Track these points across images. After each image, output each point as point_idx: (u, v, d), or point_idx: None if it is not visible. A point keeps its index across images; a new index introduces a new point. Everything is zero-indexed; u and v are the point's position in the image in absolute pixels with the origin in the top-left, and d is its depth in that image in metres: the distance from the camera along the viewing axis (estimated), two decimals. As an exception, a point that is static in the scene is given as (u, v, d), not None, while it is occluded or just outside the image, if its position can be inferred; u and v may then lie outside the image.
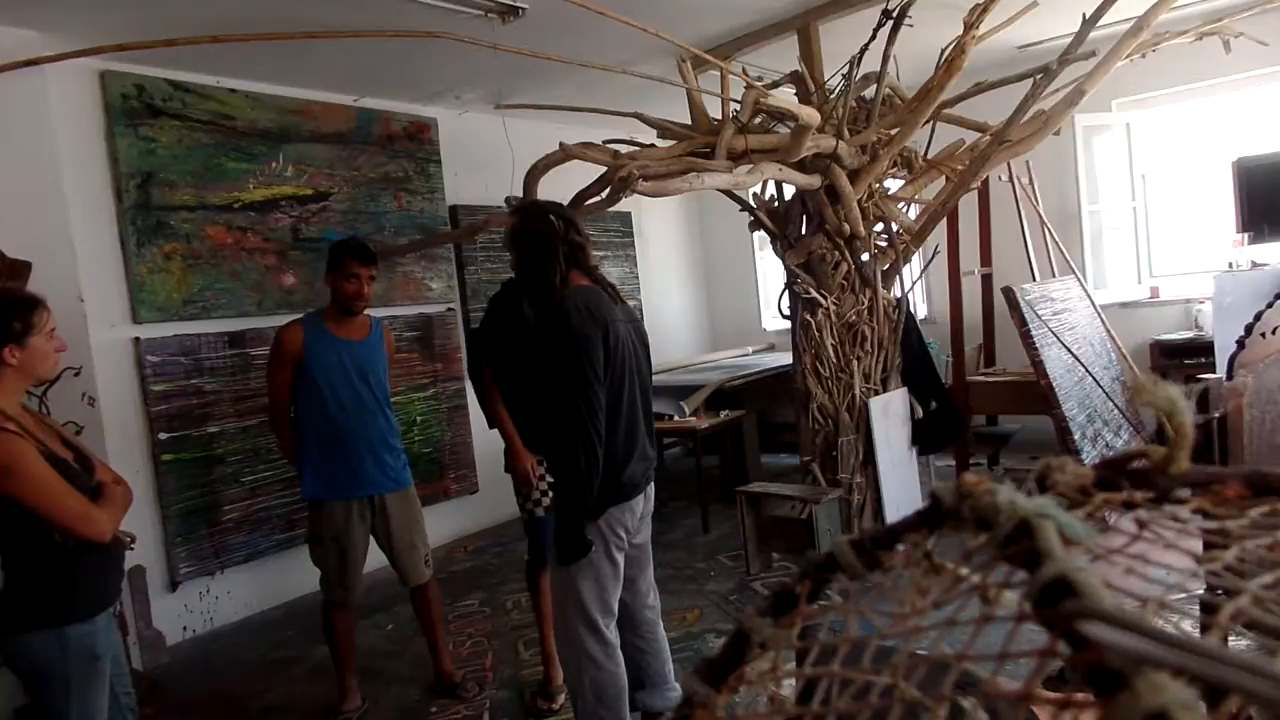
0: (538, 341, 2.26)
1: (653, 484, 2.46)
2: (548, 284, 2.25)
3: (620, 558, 2.33)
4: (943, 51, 3.62)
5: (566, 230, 2.29)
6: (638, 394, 2.34)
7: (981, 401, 4.94)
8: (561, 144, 3.54)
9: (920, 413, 4.26)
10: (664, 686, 2.54)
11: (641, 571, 2.51)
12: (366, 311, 3.08)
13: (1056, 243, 5.19)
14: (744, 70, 4.31)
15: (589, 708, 2.31)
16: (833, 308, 4.00)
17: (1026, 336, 3.95)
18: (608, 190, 3.42)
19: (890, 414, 4.10)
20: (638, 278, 6.82)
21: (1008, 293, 4.04)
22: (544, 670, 3.10)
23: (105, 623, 2.00)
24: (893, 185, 4.44)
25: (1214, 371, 3.55)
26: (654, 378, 5.90)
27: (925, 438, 4.32)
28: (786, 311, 4.24)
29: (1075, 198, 5.53)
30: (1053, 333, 4.12)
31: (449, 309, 5.29)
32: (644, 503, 2.41)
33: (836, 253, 3.99)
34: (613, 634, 2.33)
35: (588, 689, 2.30)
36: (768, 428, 6.24)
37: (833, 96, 4.00)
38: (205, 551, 4.03)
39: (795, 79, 4.24)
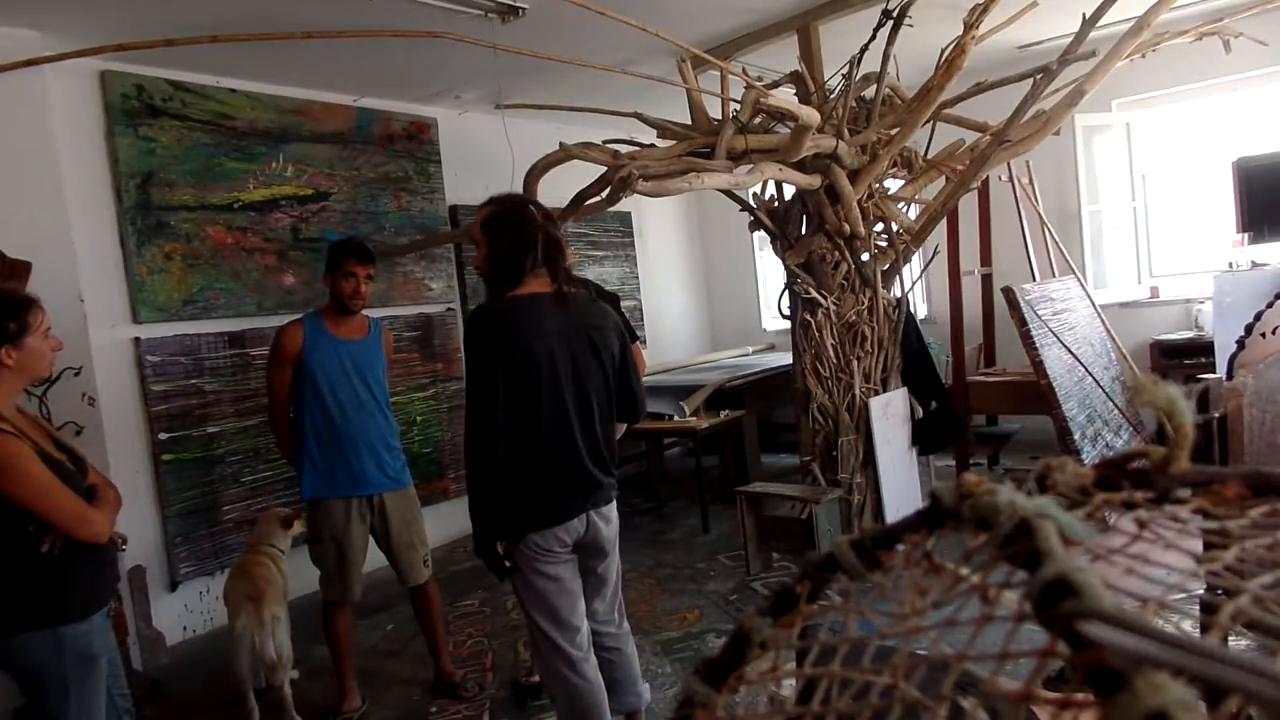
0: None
1: (610, 505, 2.29)
2: (514, 277, 2.13)
3: (560, 570, 2.21)
4: (943, 51, 3.62)
5: (545, 224, 2.17)
6: (571, 411, 2.14)
7: (981, 401, 4.94)
8: (561, 144, 3.54)
9: (920, 413, 4.26)
10: (630, 691, 2.48)
11: (597, 594, 2.38)
12: (365, 312, 3.08)
13: (1056, 243, 5.19)
14: (744, 70, 4.31)
15: (564, 716, 2.30)
16: (833, 308, 4.00)
17: (1026, 336, 3.95)
18: (608, 190, 3.42)
19: (890, 414, 4.10)
20: (638, 278, 6.81)
21: (1008, 293, 4.04)
22: (531, 665, 3.14)
23: (100, 623, 2.00)
24: (893, 185, 4.44)
25: (1214, 371, 3.55)
26: (654, 377, 5.91)
27: (925, 438, 4.32)
28: (786, 311, 4.23)
29: (1075, 198, 5.53)
30: (1053, 333, 4.12)
31: (449, 309, 5.29)
32: (586, 526, 2.22)
33: (836, 253, 3.99)
34: (578, 649, 2.24)
35: (561, 701, 2.28)
36: (768, 428, 6.25)
37: (833, 96, 3.99)
38: (205, 551, 4.03)
39: (795, 79, 4.24)
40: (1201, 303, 5.16)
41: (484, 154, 5.17)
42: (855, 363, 4.01)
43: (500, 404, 2.06)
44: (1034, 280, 4.92)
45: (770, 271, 7.29)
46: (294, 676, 3.14)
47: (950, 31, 3.61)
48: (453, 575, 4.52)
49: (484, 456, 2.07)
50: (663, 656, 3.25)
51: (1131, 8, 3.43)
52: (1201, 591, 0.40)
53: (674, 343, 7.23)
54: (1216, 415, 2.32)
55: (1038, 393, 3.98)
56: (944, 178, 4.19)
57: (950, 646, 0.38)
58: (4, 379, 1.89)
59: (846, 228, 3.86)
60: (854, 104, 3.95)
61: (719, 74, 3.98)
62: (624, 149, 3.67)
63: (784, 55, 4.40)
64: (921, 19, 3.62)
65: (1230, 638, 0.33)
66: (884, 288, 4.08)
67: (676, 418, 5.08)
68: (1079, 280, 5.02)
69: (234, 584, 3.05)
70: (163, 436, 3.91)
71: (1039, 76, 3.45)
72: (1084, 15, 3.33)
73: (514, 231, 2.14)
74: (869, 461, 4.01)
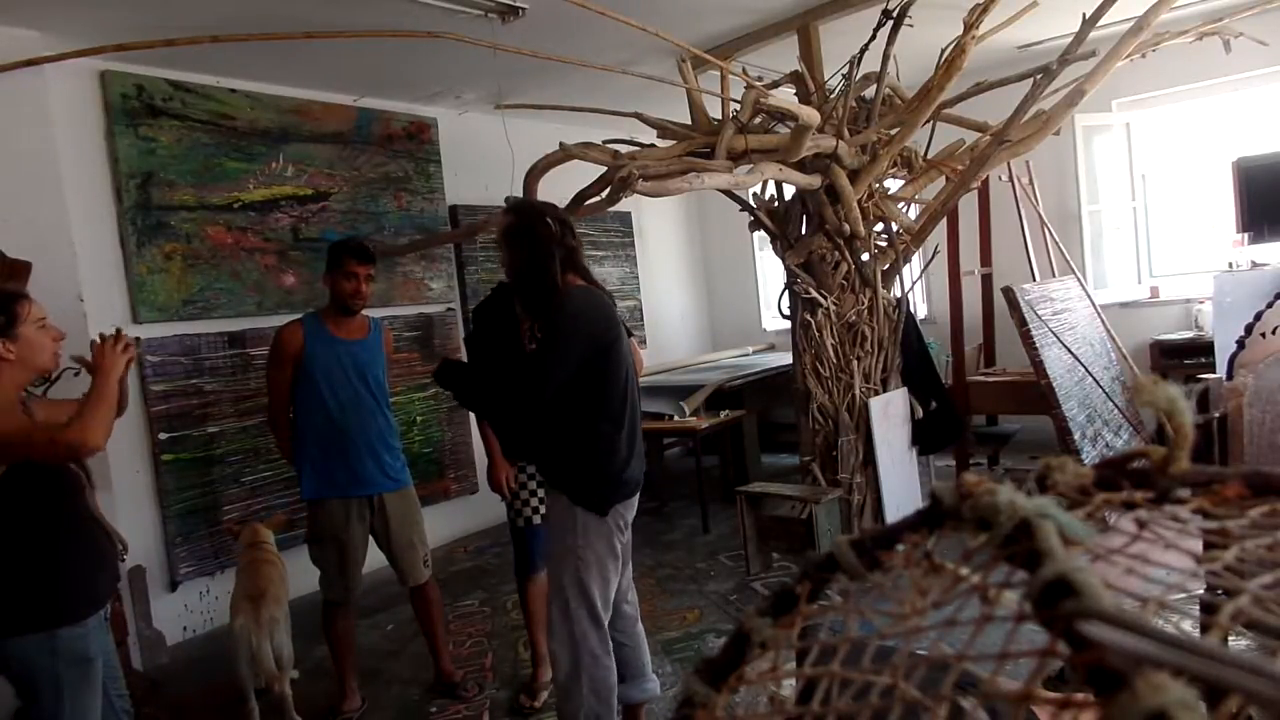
0: (488, 330, 2.28)
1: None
2: (546, 286, 2.25)
3: (620, 550, 2.37)
4: (943, 51, 3.62)
5: (563, 234, 2.29)
6: (637, 398, 2.38)
7: (981, 401, 4.94)
8: (561, 144, 3.54)
9: (920, 413, 4.26)
10: (642, 679, 2.57)
11: (625, 564, 2.54)
12: (365, 312, 3.08)
13: (1056, 243, 5.19)
14: (744, 70, 4.31)
15: (588, 704, 2.31)
16: (833, 308, 4.00)
17: (1026, 336, 3.95)
18: (608, 190, 3.42)
19: (890, 414, 4.10)
20: (638, 278, 6.81)
21: (1008, 293, 4.04)
22: (533, 669, 3.13)
23: (97, 625, 1.98)
24: (893, 185, 4.44)
25: (1214, 371, 3.55)
26: (654, 377, 5.93)
27: (925, 438, 4.32)
28: (786, 311, 4.24)
29: (1075, 198, 5.53)
30: (1053, 333, 4.12)
31: (449, 309, 5.29)
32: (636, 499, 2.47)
33: (836, 253, 3.99)
34: (608, 631, 2.36)
35: (586, 684, 2.29)
36: (768, 428, 6.24)
37: (833, 96, 3.99)
38: (205, 551, 4.03)
39: (795, 79, 4.24)
40: (1201, 303, 5.16)
41: (484, 154, 5.17)
42: (855, 363, 4.01)
43: (556, 387, 2.17)
44: (1034, 280, 4.91)
45: (770, 271, 7.28)
46: (294, 676, 3.14)
47: (950, 31, 3.61)
48: (453, 575, 4.53)
49: (511, 411, 2.21)
50: (663, 656, 3.25)
51: (1131, 8, 3.43)
52: (1201, 591, 0.40)
53: (674, 343, 7.23)
54: (1216, 415, 2.32)
55: (1038, 393, 3.98)
56: (944, 178, 4.19)
57: (950, 646, 0.38)
58: (6, 373, 1.89)
59: (846, 228, 3.86)
60: (854, 104, 3.95)
61: (719, 74, 3.98)
62: (624, 149, 3.67)
63: (784, 55, 4.39)
64: (921, 19, 3.62)
65: (1230, 638, 0.33)
66: (884, 288, 4.08)
67: (676, 418, 5.08)
68: (1079, 280, 5.02)
69: (237, 582, 3.05)
70: (163, 436, 3.91)
71: (1039, 76, 3.45)
72: (1084, 15, 3.33)
73: (533, 247, 2.26)
74: (869, 461, 4.01)
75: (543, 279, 2.25)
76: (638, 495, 2.44)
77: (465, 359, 5.26)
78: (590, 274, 2.39)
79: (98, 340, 2.03)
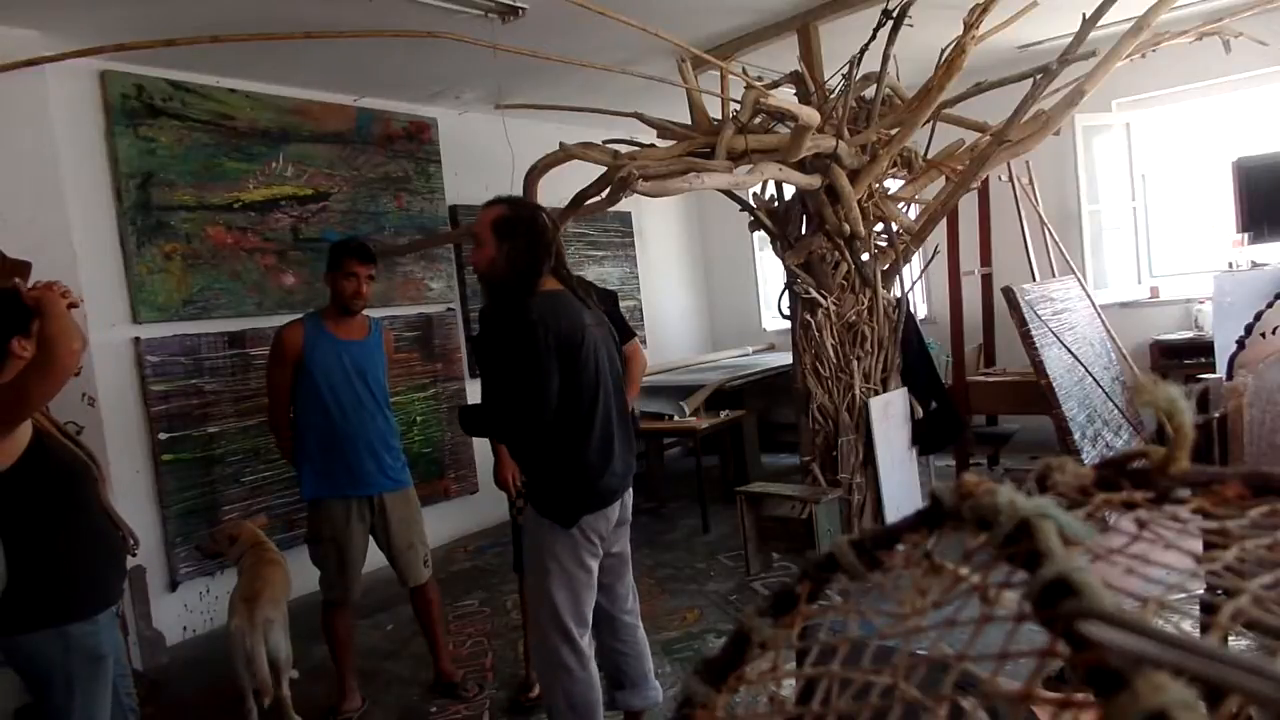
0: (492, 338, 2.21)
1: (630, 491, 2.43)
2: (533, 280, 2.19)
3: (594, 564, 2.31)
4: (943, 51, 3.62)
5: (555, 233, 2.27)
6: (612, 401, 2.29)
7: (981, 401, 4.94)
8: (561, 144, 3.54)
9: (920, 413, 4.26)
10: (644, 686, 2.54)
11: (620, 579, 2.50)
12: (365, 312, 3.08)
13: (1056, 243, 5.19)
14: (744, 70, 4.31)
15: (563, 717, 2.30)
16: (833, 308, 4.00)
17: (1026, 336, 3.95)
18: (608, 190, 3.42)
19: (890, 414, 4.10)
20: (638, 278, 6.81)
21: (1008, 293, 4.04)
22: (524, 667, 3.15)
23: (107, 622, 2.00)
24: (893, 185, 4.44)
25: (1214, 371, 3.56)
26: (654, 377, 5.91)
27: (925, 438, 4.31)
28: (786, 311, 4.23)
29: (1075, 198, 5.53)
30: (1053, 333, 4.12)
31: (449, 309, 5.29)
32: (619, 510, 2.38)
33: (836, 253, 3.99)
34: (586, 643, 2.31)
35: (561, 697, 2.28)
36: (768, 428, 6.24)
37: (833, 96, 3.99)
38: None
39: (795, 79, 4.24)
40: (1201, 303, 5.16)
41: (484, 154, 5.17)
42: (855, 363, 4.01)
43: (554, 405, 2.12)
44: (1034, 280, 4.91)
45: (770, 271, 7.28)
46: (294, 676, 3.14)
47: (950, 31, 3.61)
48: (453, 575, 4.53)
49: (525, 426, 2.15)
50: (662, 656, 3.25)
51: (1131, 8, 3.43)
52: (1201, 591, 0.40)
53: (674, 343, 7.23)
54: (1216, 415, 2.32)
55: (1038, 393, 3.98)
56: (944, 178, 4.19)
57: (950, 646, 0.38)
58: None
59: (846, 228, 3.86)
60: (854, 104, 3.95)
61: (719, 74, 3.98)
62: (624, 149, 3.67)
63: (784, 55, 4.39)
64: (921, 19, 3.62)
65: (1230, 638, 0.33)
66: (884, 288, 4.08)
67: (676, 418, 5.08)
68: (1079, 280, 5.02)
69: (237, 582, 3.06)
70: (163, 436, 3.91)
71: (1039, 76, 3.45)
72: (1084, 15, 3.33)
73: (533, 235, 2.19)
74: (869, 461, 4.00)
75: (531, 277, 2.18)
76: (617, 506, 2.35)
77: (465, 359, 5.29)
78: (570, 278, 2.32)
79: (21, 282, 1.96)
